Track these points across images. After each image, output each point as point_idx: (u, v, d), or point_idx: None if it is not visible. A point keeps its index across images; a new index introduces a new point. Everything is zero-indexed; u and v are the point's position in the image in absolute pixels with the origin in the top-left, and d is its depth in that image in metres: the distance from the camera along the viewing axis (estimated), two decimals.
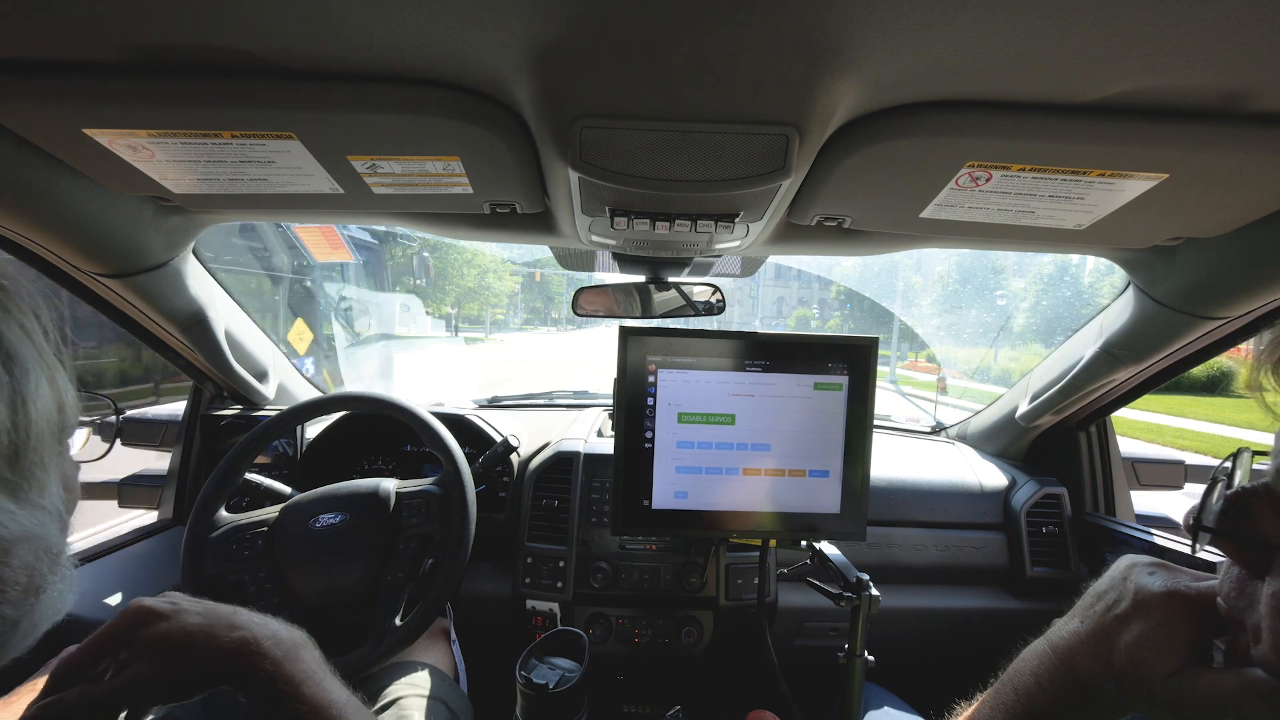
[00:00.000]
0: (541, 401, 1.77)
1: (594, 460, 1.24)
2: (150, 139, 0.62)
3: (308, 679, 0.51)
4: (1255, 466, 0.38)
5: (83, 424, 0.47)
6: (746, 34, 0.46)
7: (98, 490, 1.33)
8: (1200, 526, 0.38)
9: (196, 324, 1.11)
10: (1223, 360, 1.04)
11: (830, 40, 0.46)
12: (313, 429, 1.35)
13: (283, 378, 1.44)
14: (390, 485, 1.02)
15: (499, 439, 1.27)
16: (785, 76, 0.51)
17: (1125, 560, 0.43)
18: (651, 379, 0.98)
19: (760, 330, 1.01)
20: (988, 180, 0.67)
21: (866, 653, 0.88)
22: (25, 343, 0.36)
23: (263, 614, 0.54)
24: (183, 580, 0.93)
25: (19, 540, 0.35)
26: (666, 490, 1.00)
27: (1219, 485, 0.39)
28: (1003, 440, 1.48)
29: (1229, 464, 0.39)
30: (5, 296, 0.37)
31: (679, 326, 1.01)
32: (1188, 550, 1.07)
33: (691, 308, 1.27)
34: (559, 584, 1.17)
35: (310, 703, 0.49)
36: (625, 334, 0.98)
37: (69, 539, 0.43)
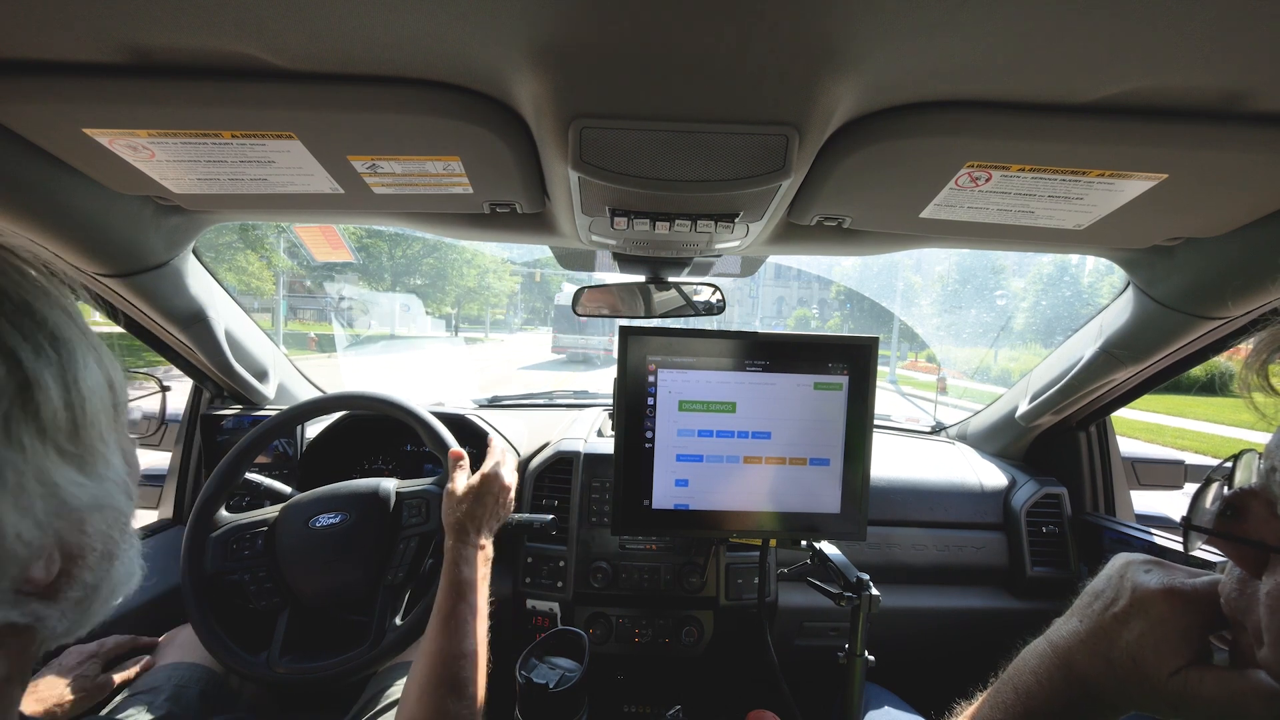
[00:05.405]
0: (541, 401, 1.77)
1: (594, 460, 1.24)
2: (150, 139, 0.62)
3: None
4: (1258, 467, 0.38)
5: (133, 401, 0.48)
6: (746, 34, 0.46)
7: None
8: (1193, 527, 0.38)
9: (197, 323, 1.11)
10: (1222, 360, 1.04)
11: (830, 40, 0.46)
12: (313, 429, 1.35)
13: (283, 378, 1.44)
14: (390, 485, 1.01)
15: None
16: (785, 76, 0.51)
17: (1120, 558, 0.43)
18: (652, 379, 0.98)
19: (760, 330, 1.01)
20: (987, 180, 0.67)
21: (866, 653, 0.89)
22: (69, 325, 0.37)
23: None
24: (183, 579, 0.93)
25: (91, 509, 0.37)
26: (667, 488, 1.00)
27: (1213, 486, 0.39)
28: (1003, 440, 1.48)
29: (1229, 464, 0.39)
30: (46, 281, 0.38)
31: (679, 326, 1.01)
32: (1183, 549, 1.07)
33: (691, 307, 1.27)
34: (559, 584, 1.17)
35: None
36: (625, 334, 0.98)
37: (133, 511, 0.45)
